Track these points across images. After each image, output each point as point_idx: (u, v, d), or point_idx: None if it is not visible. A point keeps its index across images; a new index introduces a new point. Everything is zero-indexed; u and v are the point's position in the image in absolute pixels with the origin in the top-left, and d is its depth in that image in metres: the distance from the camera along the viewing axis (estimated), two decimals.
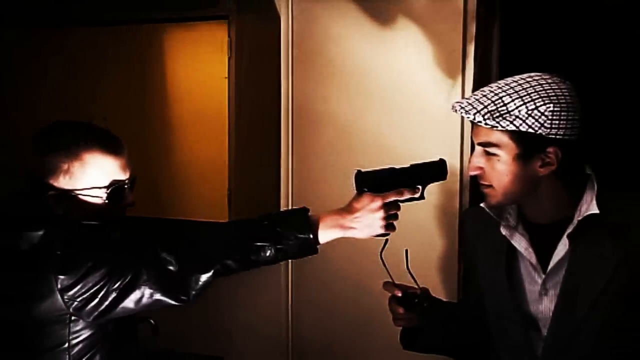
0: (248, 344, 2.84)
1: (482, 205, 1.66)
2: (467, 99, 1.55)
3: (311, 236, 1.53)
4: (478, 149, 1.56)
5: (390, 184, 1.58)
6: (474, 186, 2.46)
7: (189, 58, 2.54)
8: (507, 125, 1.46)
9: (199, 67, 2.52)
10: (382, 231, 1.58)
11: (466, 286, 1.97)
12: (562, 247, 1.54)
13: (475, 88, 2.40)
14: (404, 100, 2.52)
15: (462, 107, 1.52)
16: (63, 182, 1.57)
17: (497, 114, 1.47)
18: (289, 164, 2.72)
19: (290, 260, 2.69)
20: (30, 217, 1.54)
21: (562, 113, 1.47)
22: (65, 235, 1.49)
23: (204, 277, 1.50)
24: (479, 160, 1.56)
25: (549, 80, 1.50)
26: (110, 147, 1.61)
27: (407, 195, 1.59)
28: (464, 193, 2.48)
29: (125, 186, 1.65)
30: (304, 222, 1.54)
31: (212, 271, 1.51)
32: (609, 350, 1.52)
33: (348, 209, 1.57)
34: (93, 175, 1.58)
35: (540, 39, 2.42)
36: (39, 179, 1.57)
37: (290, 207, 2.72)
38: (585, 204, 1.53)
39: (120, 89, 2.61)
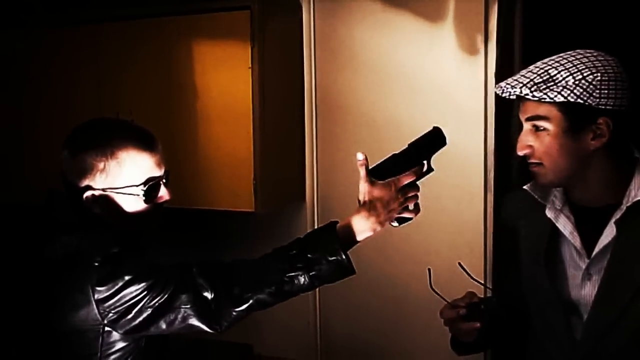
0: (276, 333, 2.87)
1: (525, 187, 1.64)
2: (513, 77, 1.52)
3: (343, 257, 1.48)
4: (526, 126, 1.54)
5: (396, 170, 1.56)
6: (499, 173, 2.46)
7: (211, 49, 2.54)
8: (555, 96, 1.44)
9: (223, 58, 2.52)
10: (409, 215, 1.57)
11: (502, 273, 1.94)
12: (609, 233, 1.51)
13: (498, 72, 2.39)
14: (427, 87, 2.52)
15: (507, 84, 1.50)
16: (99, 181, 1.55)
17: (544, 86, 1.45)
18: (314, 153, 2.74)
19: None
20: (67, 222, 1.55)
21: (611, 83, 1.44)
22: (104, 244, 1.49)
23: (236, 311, 1.49)
24: (527, 138, 1.53)
25: (594, 54, 1.49)
26: (146, 144, 1.59)
27: (416, 175, 1.56)
28: (489, 179, 2.48)
29: (161, 182, 1.63)
30: (332, 242, 1.49)
31: (246, 306, 1.48)
32: None
33: (367, 207, 1.52)
34: (129, 173, 1.56)
35: (562, 22, 2.38)
36: (73, 181, 1.56)
37: (315, 196, 2.74)
38: (634, 190, 1.51)
39: (143, 82, 2.63)
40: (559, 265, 1.62)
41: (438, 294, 1.63)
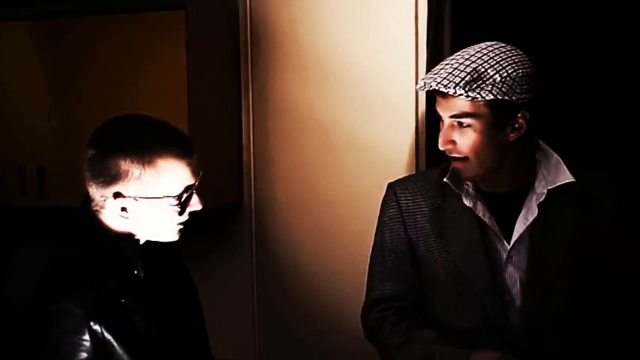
0: (216, 334, 2.85)
1: (445, 180, 1.65)
2: (436, 73, 1.53)
3: None
4: (448, 122, 1.55)
5: None
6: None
7: (146, 48, 2.51)
8: (486, 94, 1.46)
9: (157, 58, 2.50)
10: None
11: (398, 271, 1.80)
12: (530, 215, 1.57)
13: (429, 71, 2.41)
14: (360, 85, 2.54)
15: (438, 83, 1.50)
16: (132, 189, 1.43)
17: (475, 85, 1.47)
18: (251, 152, 2.73)
19: (254, 252, 2.71)
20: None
21: (529, 77, 1.51)
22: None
23: None
24: (450, 133, 1.55)
25: (508, 47, 1.54)
26: (185, 150, 1.47)
27: None
28: None
29: (194, 190, 1.51)
30: None
31: None
32: (586, 317, 1.59)
33: None
34: (166, 183, 1.45)
35: (492, 22, 2.43)
36: (100, 183, 1.45)
37: (253, 196, 2.73)
38: (550, 173, 1.56)
39: (70, 82, 2.58)
40: (487, 252, 1.65)
41: None
